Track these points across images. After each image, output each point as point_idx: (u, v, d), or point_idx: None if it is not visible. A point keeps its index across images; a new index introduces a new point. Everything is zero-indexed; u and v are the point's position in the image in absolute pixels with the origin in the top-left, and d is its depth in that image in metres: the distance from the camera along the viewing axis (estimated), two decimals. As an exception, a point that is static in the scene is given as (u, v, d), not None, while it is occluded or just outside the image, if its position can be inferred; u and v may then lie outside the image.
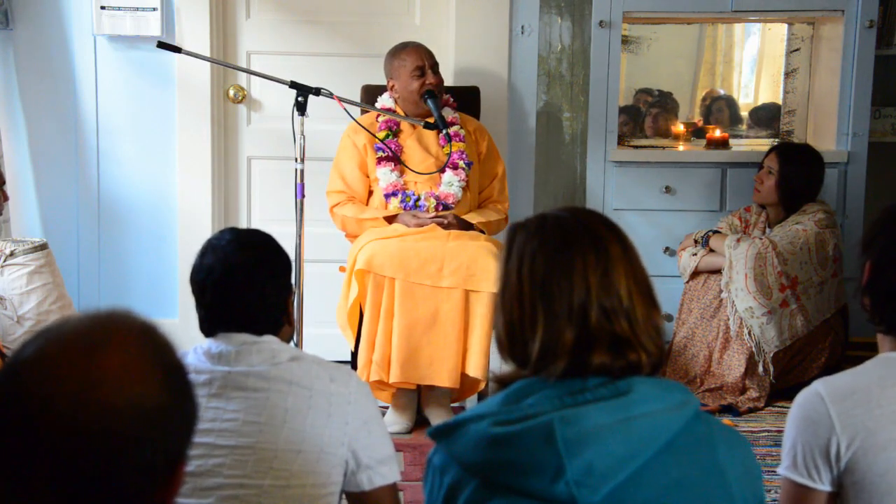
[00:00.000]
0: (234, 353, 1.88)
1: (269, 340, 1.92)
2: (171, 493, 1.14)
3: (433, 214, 3.78)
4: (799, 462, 1.67)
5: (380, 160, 3.85)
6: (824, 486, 1.66)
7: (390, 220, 3.80)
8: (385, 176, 3.84)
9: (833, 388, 1.66)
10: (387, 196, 3.83)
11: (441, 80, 3.91)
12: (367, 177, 3.90)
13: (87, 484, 1.06)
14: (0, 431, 1.07)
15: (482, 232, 3.83)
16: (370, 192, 3.93)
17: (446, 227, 3.73)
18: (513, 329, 1.47)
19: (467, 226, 3.81)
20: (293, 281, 3.38)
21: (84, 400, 1.06)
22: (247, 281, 1.92)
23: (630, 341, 1.43)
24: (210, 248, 1.96)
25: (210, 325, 1.94)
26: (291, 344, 2.04)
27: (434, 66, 3.89)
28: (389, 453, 1.95)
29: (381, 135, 3.87)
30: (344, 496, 1.97)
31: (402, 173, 3.86)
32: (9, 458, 1.07)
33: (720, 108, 4.89)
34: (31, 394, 1.06)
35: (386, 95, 3.99)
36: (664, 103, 4.83)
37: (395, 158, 3.85)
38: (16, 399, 1.07)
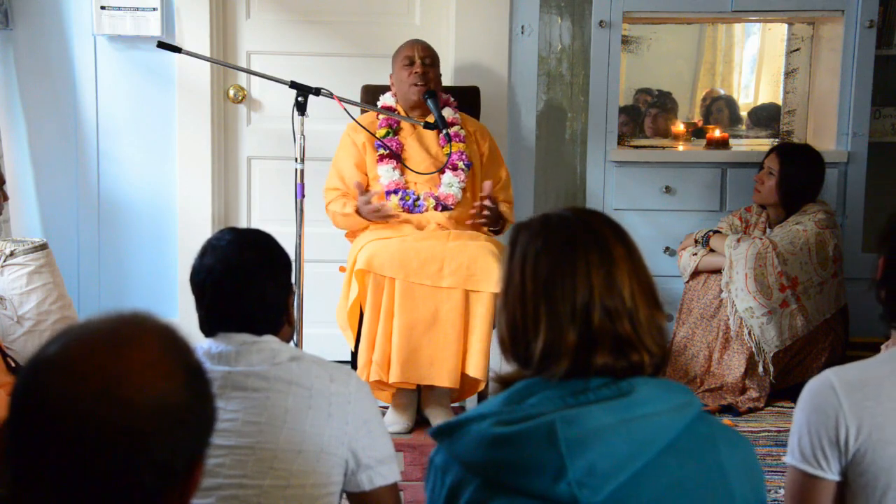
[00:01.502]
0: (234, 353, 1.88)
1: (269, 340, 1.91)
2: (189, 494, 1.15)
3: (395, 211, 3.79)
4: (807, 451, 1.67)
5: (381, 157, 3.86)
6: (832, 475, 1.66)
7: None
8: (386, 173, 3.84)
9: (845, 378, 1.66)
10: (387, 193, 3.83)
11: (436, 75, 3.90)
12: (366, 175, 3.90)
13: (107, 480, 1.07)
14: (23, 427, 1.09)
15: (496, 233, 3.84)
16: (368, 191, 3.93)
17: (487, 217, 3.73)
18: (515, 329, 1.47)
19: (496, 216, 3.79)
20: (293, 281, 3.37)
21: (107, 396, 1.07)
22: (247, 281, 1.92)
23: (633, 342, 1.43)
24: (210, 249, 1.96)
25: (210, 325, 1.94)
26: (291, 344, 2.04)
27: (426, 58, 3.88)
28: (389, 453, 1.95)
29: (382, 132, 3.88)
30: (345, 496, 1.97)
31: (402, 172, 3.86)
32: (31, 453, 1.08)
33: (720, 108, 4.88)
34: (54, 390, 1.08)
35: (388, 94, 4.00)
36: (663, 103, 4.83)
37: (395, 156, 3.85)
38: (39, 395, 1.08)
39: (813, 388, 1.69)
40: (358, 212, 3.73)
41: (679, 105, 4.86)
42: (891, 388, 1.64)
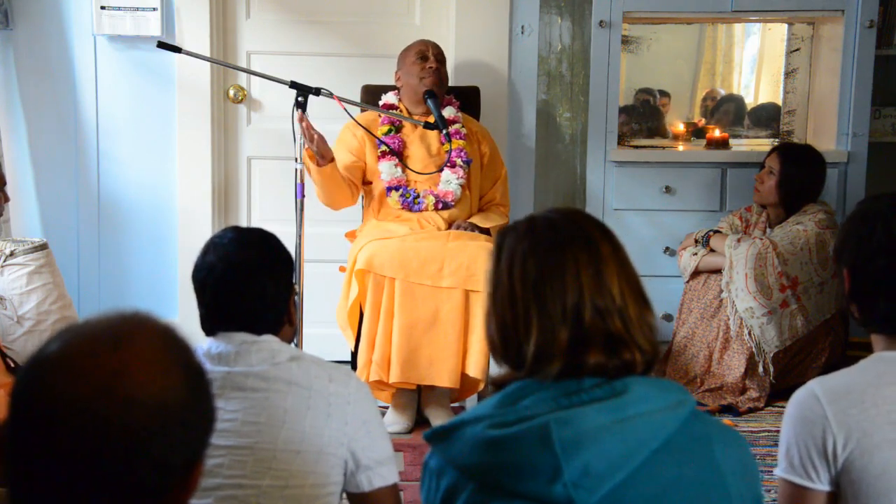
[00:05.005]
0: (234, 353, 1.88)
1: (269, 340, 1.92)
2: (188, 493, 1.16)
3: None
4: (796, 463, 1.67)
5: (382, 154, 3.86)
6: (823, 485, 1.66)
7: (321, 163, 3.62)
8: (388, 170, 3.84)
9: (828, 387, 1.67)
10: (388, 189, 3.84)
11: (445, 75, 3.92)
12: (360, 160, 3.88)
13: (107, 478, 1.07)
14: (23, 426, 1.09)
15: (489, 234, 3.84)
16: (365, 182, 3.91)
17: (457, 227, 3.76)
18: (506, 332, 1.47)
19: (482, 231, 3.82)
20: (293, 281, 3.36)
21: (107, 394, 1.07)
22: (247, 279, 1.92)
23: (624, 340, 1.43)
24: (212, 247, 1.96)
25: (211, 323, 1.94)
26: (292, 344, 2.04)
27: (438, 56, 3.90)
28: (389, 454, 1.94)
29: (384, 129, 3.89)
30: (346, 497, 1.97)
31: (404, 169, 3.86)
32: (31, 452, 1.08)
33: (727, 110, 4.89)
34: (54, 389, 1.08)
35: (391, 94, 4.01)
36: (653, 107, 4.84)
37: (396, 154, 3.86)
38: (39, 394, 1.09)
39: (797, 399, 1.69)
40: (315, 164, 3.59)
41: (673, 106, 4.86)
42: (874, 394, 1.64)
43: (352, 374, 1.95)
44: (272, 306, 1.95)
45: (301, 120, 3.37)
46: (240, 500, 1.80)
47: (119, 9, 4.20)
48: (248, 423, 1.82)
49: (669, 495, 1.38)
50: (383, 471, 1.92)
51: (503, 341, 1.48)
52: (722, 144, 4.61)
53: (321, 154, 3.55)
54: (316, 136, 3.48)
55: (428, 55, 3.88)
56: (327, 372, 1.90)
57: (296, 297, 2.04)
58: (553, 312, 1.43)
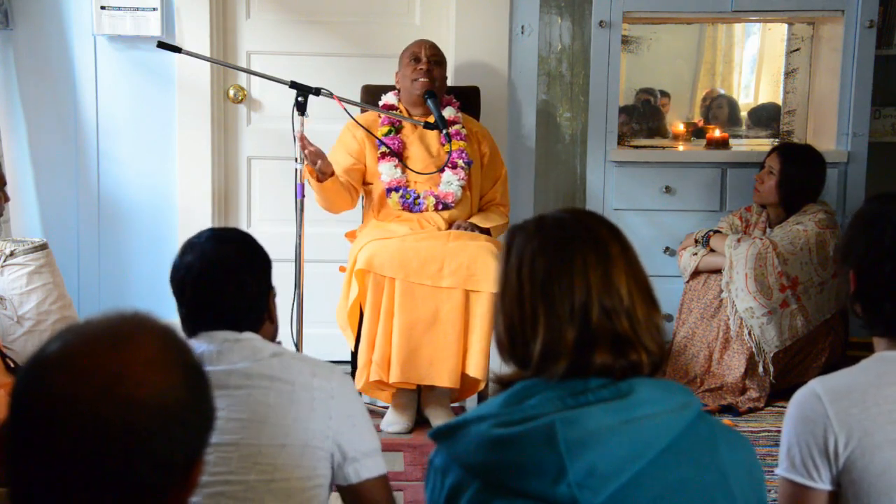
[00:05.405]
0: (216, 352, 1.89)
1: (251, 338, 1.93)
2: (188, 492, 1.16)
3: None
4: (797, 462, 1.67)
5: (382, 155, 3.86)
6: (824, 484, 1.66)
7: (322, 178, 3.64)
8: (388, 171, 3.84)
9: (830, 386, 1.67)
10: (388, 190, 3.84)
11: (441, 75, 3.91)
12: (359, 162, 3.88)
13: (107, 478, 1.08)
14: (23, 426, 1.09)
15: (489, 234, 3.84)
16: (365, 183, 3.91)
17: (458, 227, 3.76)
18: (514, 330, 1.47)
19: (482, 232, 3.82)
20: (293, 282, 3.37)
21: (107, 394, 1.08)
22: (226, 275, 1.94)
23: (631, 340, 1.43)
24: (189, 247, 2.00)
25: (192, 323, 1.96)
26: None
27: (433, 56, 3.89)
28: (375, 446, 1.97)
29: (384, 130, 3.88)
30: (339, 493, 1.98)
31: (403, 170, 3.86)
32: (31, 452, 1.08)
33: (720, 104, 4.89)
34: (54, 389, 1.08)
35: (391, 94, 4.01)
36: (653, 107, 4.84)
37: (396, 155, 3.86)
38: (40, 394, 1.09)
39: (799, 398, 1.69)
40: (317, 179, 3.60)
41: (673, 105, 4.86)
42: (876, 394, 1.64)
43: (335, 370, 1.97)
44: (251, 302, 1.97)
45: (304, 147, 3.38)
46: (228, 496, 1.82)
47: (119, 9, 4.20)
48: (231, 420, 1.84)
49: (674, 497, 1.38)
50: (370, 462, 1.94)
51: (510, 339, 1.48)
52: (722, 144, 4.61)
53: (322, 171, 3.56)
54: (319, 162, 3.51)
55: (420, 56, 3.88)
56: (310, 367, 1.93)
57: (274, 294, 2.05)
58: (560, 312, 1.43)
